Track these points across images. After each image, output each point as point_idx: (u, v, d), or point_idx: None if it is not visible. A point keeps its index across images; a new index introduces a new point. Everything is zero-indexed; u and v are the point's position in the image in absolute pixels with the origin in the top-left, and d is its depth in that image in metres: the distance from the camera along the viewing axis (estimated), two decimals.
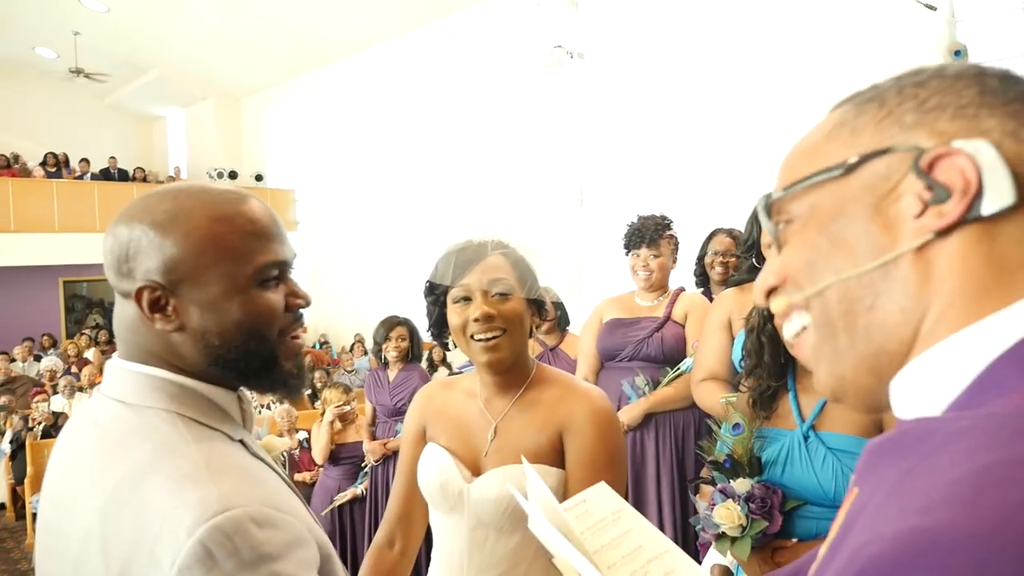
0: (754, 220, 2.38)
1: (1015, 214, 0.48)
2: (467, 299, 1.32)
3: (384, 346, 3.93)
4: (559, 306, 3.50)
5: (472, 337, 1.31)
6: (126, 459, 0.76)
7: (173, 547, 0.69)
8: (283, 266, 0.87)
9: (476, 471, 1.37)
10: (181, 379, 0.83)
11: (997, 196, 0.48)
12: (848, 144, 0.54)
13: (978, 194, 0.48)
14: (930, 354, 0.50)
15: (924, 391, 0.50)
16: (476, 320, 1.30)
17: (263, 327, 0.85)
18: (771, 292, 0.59)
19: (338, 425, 4.19)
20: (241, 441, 0.84)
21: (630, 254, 2.94)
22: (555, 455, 1.33)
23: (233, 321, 0.82)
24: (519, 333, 1.32)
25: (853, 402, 0.56)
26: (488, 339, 1.30)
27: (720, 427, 1.78)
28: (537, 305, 1.38)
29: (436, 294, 1.39)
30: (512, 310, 1.31)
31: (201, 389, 0.83)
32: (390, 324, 3.97)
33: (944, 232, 0.49)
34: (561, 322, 3.53)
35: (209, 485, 0.72)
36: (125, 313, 0.84)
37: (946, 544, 0.37)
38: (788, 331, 0.59)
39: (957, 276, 0.49)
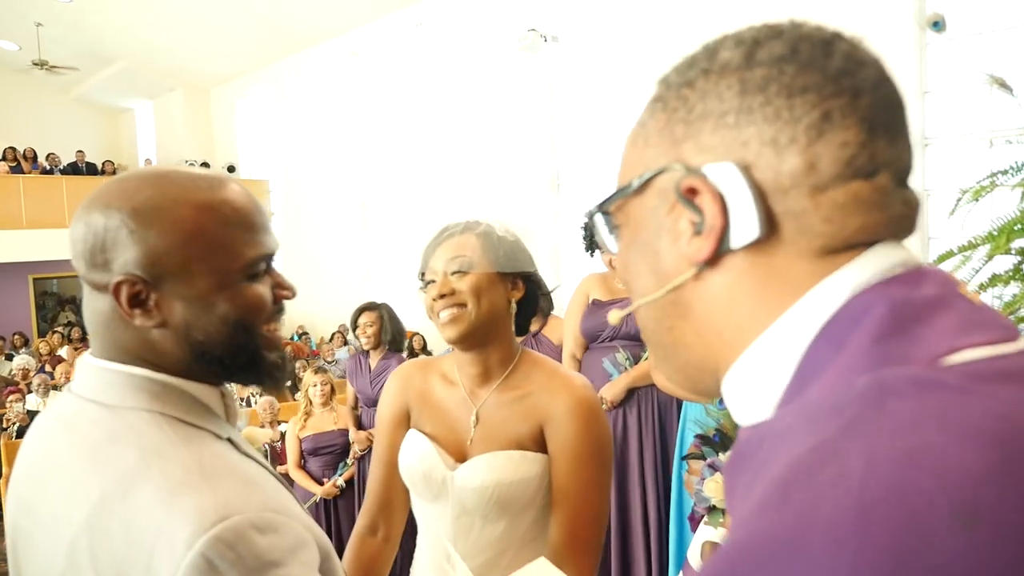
0: None
1: (781, 238, 0.45)
2: (433, 281, 1.33)
3: (356, 332, 3.93)
4: (543, 291, 3.48)
5: (438, 316, 1.32)
6: (110, 467, 0.72)
7: (171, 561, 0.65)
8: (270, 259, 0.84)
9: (461, 458, 1.35)
10: (163, 377, 0.78)
11: (743, 230, 0.45)
12: (641, 155, 0.51)
13: (728, 226, 0.45)
14: (743, 360, 0.47)
15: (750, 396, 0.47)
16: (435, 300, 1.30)
17: (251, 320, 0.81)
18: None
19: (318, 410, 4.16)
20: (229, 439, 0.81)
21: (603, 254, 2.93)
22: (537, 445, 1.31)
23: (220, 316, 0.78)
24: (481, 306, 1.30)
25: (683, 395, 0.57)
26: (447, 315, 1.30)
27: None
28: (519, 277, 1.37)
29: (421, 282, 1.39)
30: (470, 284, 1.30)
31: (183, 386, 0.79)
32: (359, 310, 3.98)
33: (712, 261, 0.46)
34: (544, 307, 3.52)
35: (205, 492, 0.69)
36: (98, 307, 0.79)
37: (752, 558, 0.34)
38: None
39: (738, 300, 0.47)
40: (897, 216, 0.45)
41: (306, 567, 0.72)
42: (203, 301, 0.78)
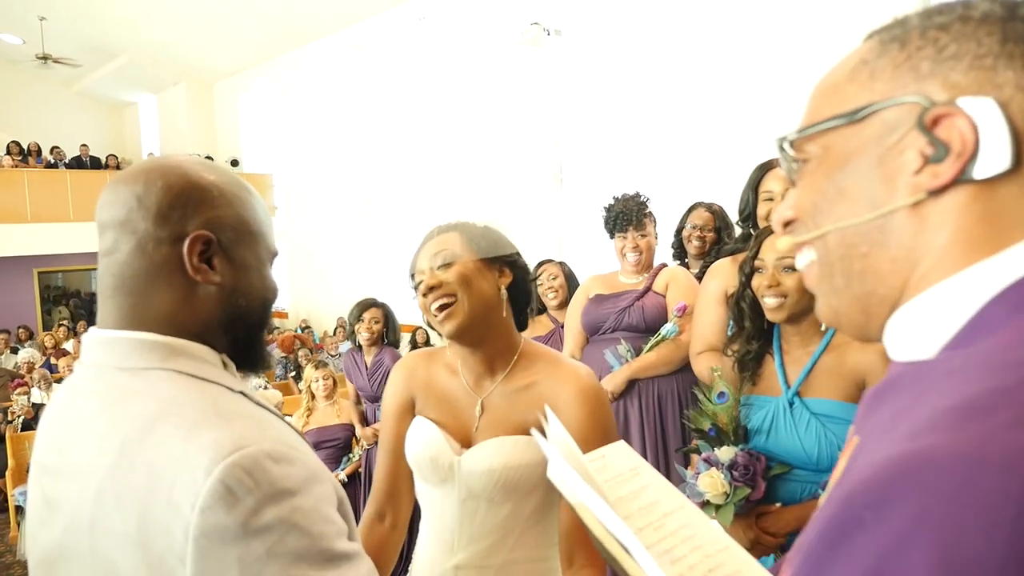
0: (751, 189, 2.36)
1: (1015, 175, 0.48)
2: (422, 282, 1.35)
3: (356, 327, 3.93)
4: (571, 281, 3.56)
5: (433, 314, 1.33)
6: (130, 416, 0.76)
7: (192, 490, 0.69)
8: None
9: (466, 444, 1.38)
10: (170, 340, 0.83)
11: (992, 160, 0.48)
12: (865, 88, 0.54)
13: (974, 156, 0.48)
14: (922, 299, 0.51)
15: (917, 335, 0.52)
16: (425, 296, 1.32)
17: (271, 301, 0.93)
18: (788, 224, 0.61)
19: (321, 404, 4.18)
20: (242, 392, 0.85)
21: (615, 237, 2.94)
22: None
23: (260, 288, 0.90)
24: (472, 295, 1.31)
25: (846, 332, 0.59)
26: (440, 308, 1.31)
27: (706, 397, 1.80)
28: (504, 264, 1.38)
29: (414, 289, 1.41)
30: (456, 274, 1.31)
31: (190, 348, 0.84)
32: (363, 306, 3.97)
33: (939, 191, 0.49)
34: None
35: (221, 427, 0.73)
36: (141, 263, 0.83)
37: (932, 464, 0.38)
38: (799, 263, 0.62)
39: (949, 232, 0.50)
40: None
41: (321, 500, 0.75)
42: (253, 271, 0.89)
